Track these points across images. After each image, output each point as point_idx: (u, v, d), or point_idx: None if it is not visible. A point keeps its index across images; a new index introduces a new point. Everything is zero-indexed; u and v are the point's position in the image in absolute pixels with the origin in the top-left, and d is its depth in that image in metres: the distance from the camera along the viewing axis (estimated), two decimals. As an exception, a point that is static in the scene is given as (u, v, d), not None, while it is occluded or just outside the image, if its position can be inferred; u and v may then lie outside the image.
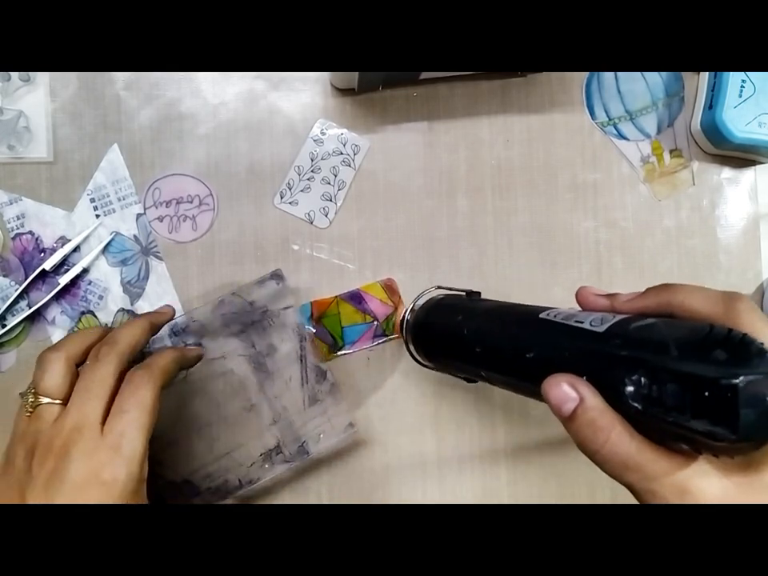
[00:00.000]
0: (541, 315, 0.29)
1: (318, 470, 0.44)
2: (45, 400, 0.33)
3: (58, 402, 0.33)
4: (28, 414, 0.33)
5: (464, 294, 0.39)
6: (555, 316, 0.28)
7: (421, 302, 0.41)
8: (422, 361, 0.40)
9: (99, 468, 0.31)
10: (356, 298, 0.43)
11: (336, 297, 0.44)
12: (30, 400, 0.33)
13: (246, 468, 0.41)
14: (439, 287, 0.42)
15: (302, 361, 0.42)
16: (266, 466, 0.41)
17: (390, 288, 0.44)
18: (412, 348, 0.40)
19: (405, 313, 0.41)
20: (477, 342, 0.33)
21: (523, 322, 0.31)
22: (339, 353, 0.44)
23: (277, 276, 0.42)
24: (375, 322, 0.44)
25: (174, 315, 0.40)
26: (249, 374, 0.41)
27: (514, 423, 0.45)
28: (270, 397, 0.41)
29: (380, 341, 0.44)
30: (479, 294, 0.39)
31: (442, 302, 0.39)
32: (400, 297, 0.44)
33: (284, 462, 0.41)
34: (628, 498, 0.46)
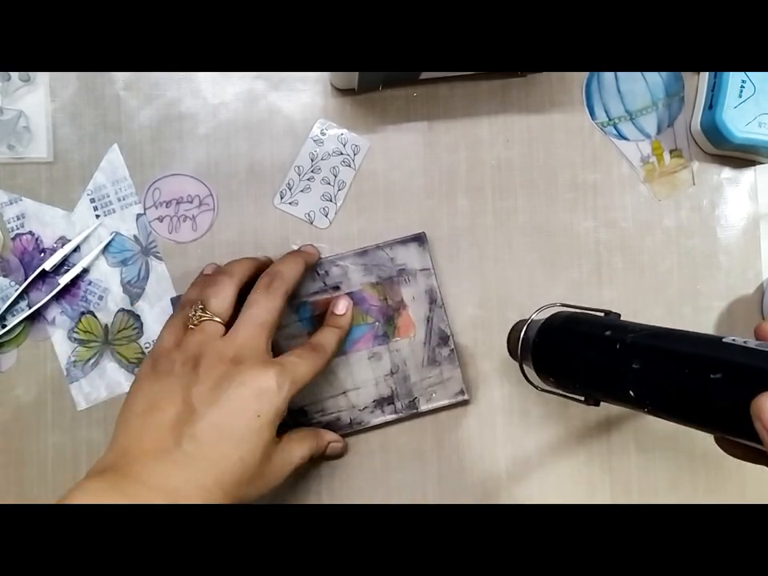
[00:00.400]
0: (724, 340, 0.28)
1: (319, 469, 0.44)
2: (211, 317, 0.36)
3: (220, 320, 0.36)
4: (192, 326, 0.36)
5: (602, 313, 0.37)
6: (745, 342, 0.27)
7: (537, 317, 0.38)
8: (532, 380, 0.38)
9: (267, 380, 0.34)
10: (358, 298, 0.43)
11: (339, 296, 0.44)
12: (199, 314, 0.37)
13: (357, 410, 0.43)
14: (564, 305, 0.39)
15: (428, 321, 0.44)
16: (377, 412, 0.43)
17: (391, 290, 0.44)
18: (528, 366, 0.38)
19: (521, 330, 0.38)
20: (635, 356, 0.31)
21: (702, 342, 0.29)
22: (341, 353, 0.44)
23: (419, 239, 0.44)
24: (377, 323, 0.44)
25: (320, 256, 0.43)
26: (377, 324, 0.44)
27: (514, 423, 0.45)
28: (392, 349, 0.43)
29: (380, 342, 0.44)
30: (619, 315, 0.36)
31: (577, 318, 0.36)
32: (402, 299, 0.44)
33: (393, 412, 0.44)
34: (627, 498, 0.46)
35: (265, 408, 0.34)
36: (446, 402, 0.44)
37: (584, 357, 0.34)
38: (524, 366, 0.38)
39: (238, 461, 0.33)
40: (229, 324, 0.37)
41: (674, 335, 0.31)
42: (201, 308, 0.37)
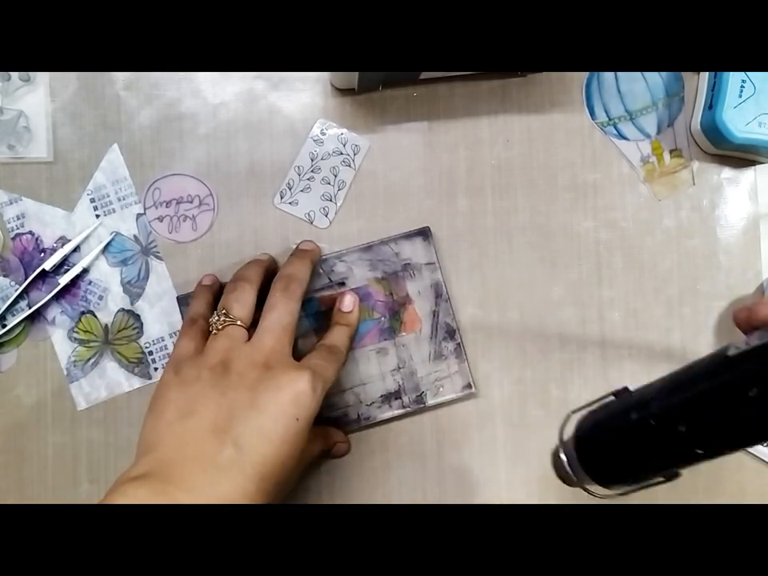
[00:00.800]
0: (729, 354, 0.27)
1: (318, 468, 0.44)
2: (234, 321, 0.37)
3: (243, 325, 0.37)
4: (216, 332, 0.37)
5: (611, 396, 0.33)
6: (747, 344, 0.27)
7: (566, 434, 0.35)
8: (603, 494, 0.34)
9: (303, 383, 0.34)
10: (363, 294, 0.43)
11: (344, 291, 0.44)
12: (222, 319, 0.37)
13: (365, 406, 0.44)
14: (574, 411, 0.35)
15: (434, 316, 0.44)
16: (384, 407, 0.44)
17: (396, 285, 0.44)
18: (590, 483, 0.34)
19: (557, 453, 0.34)
20: (675, 420, 0.29)
21: (715, 367, 0.28)
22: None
23: (423, 233, 0.44)
24: (383, 318, 0.44)
25: (321, 253, 0.44)
26: (383, 319, 0.44)
27: (514, 423, 0.45)
28: (399, 344, 0.44)
29: (386, 337, 0.44)
30: (626, 388, 0.33)
31: (600, 418, 0.33)
32: (408, 294, 0.44)
33: (401, 407, 0.44)
34: (626, 498, 0.46)
35: (302, 411, 0.34)
36: (453, 395, 0.44)
37: (632, 451, 0.31)
38: (587, 486, 0.34)
39: (279, 464, 0.33)
40: (249, 328, 0.37)
41: (689, 377, 0.29)
42: (224, 313, 0.37)
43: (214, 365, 0.35)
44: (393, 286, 0.44)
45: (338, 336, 0.41)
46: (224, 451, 0.32)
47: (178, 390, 0.35)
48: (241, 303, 0.37)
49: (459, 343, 0.44)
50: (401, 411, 0.44)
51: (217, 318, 0.37)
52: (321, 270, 0.43)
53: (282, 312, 0.37)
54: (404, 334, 0.44)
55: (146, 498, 0.30)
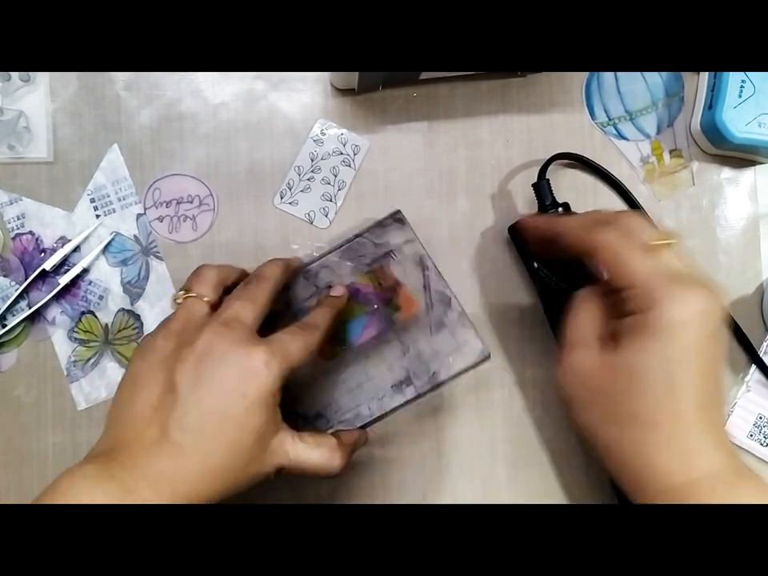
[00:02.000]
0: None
1: (318, 469, 0.44)
2: (196, 295, 0.35)
3: (206, 299, 0.35)
4: (177, 303, 0.35)
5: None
6: None
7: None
8: None
9: (252, 359, 0.32)
10: (352, 291, 0.43)
11: (336, 283, 0.43)
12: (181, 293, 0.36)
13: (377, 400, 0.42)
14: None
15: (425, 289, 0.43)
16: (397, 396, 0.42)
17: (382, 273, 0.43)
18: None
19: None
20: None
21: None
22: (345, 347, 0.43)
23: (395, 217, 0.43)
24: (377, 309, 0.43)
25: (302, 264, 0.42)
26: (378, 310, 0.43)
27: (514, 423, 0.45)
28: (399, 330, 0.42)
29: (385, 327, 0.43)
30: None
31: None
32: (396, 280, 0.43)
33: (414, 393, 0.42)
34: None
35: (252, 388, 0.32)
36: (464, 365, 0.42)
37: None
38: None
39: (224, 444, 0.32)
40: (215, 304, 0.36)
41: None
42: (185, 289, 0.36)
43: (167, 334, 0.34)
44: (379, 276, 0.43)
45: (315, 314, 0.39)
46: (167, 434, 0.31)
47: (134, 362, 0.35)
48: (199, 280, 0.36)
49: (461, 312, 0.42)
50: (414, 394, 0.42)
51: (178, 292, 0.36)
52: (305, 280, 0.42)
53: (245, 292, 0.36)
54: (402, 318, 0.43)
55: (91, 475, 0.30)
